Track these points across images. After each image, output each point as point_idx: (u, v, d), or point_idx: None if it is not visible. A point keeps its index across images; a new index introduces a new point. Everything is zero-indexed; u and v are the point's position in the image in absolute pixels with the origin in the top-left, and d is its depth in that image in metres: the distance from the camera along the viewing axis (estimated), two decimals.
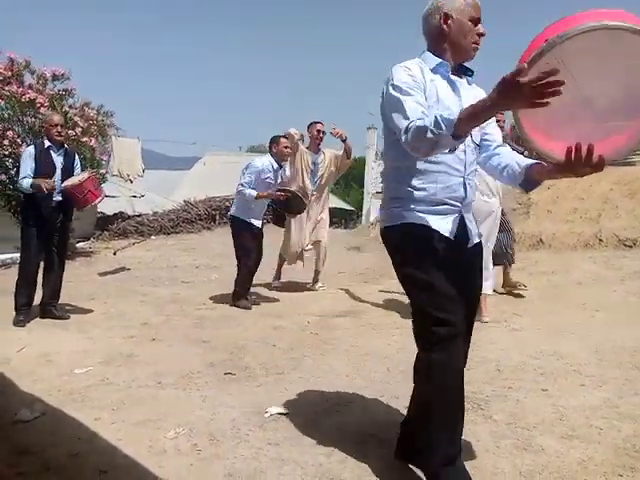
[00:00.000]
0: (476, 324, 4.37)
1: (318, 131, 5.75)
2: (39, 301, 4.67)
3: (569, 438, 2.38)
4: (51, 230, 4.58)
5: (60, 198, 4.54)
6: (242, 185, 5.15)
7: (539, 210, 8.30)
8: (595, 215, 7.74)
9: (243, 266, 5.24)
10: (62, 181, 4.53)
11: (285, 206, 5.42)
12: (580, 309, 4.72)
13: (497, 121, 3.23)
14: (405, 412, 2.69)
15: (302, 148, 5.75)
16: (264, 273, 7.08)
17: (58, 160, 4.57)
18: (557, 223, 7.89)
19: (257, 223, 5.24)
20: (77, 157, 4.87)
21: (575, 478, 2.07)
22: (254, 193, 5.10)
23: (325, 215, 5.99)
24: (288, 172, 5.71)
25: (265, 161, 5.25)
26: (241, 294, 5.23)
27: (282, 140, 5.25)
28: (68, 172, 4.63)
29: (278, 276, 6.31)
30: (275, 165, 5.25)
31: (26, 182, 4.39)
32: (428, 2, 2.03)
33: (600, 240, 7.16)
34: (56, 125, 4.55)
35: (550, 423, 2.54)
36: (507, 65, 1.64)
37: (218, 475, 2.13)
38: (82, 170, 4.88)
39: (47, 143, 4.55)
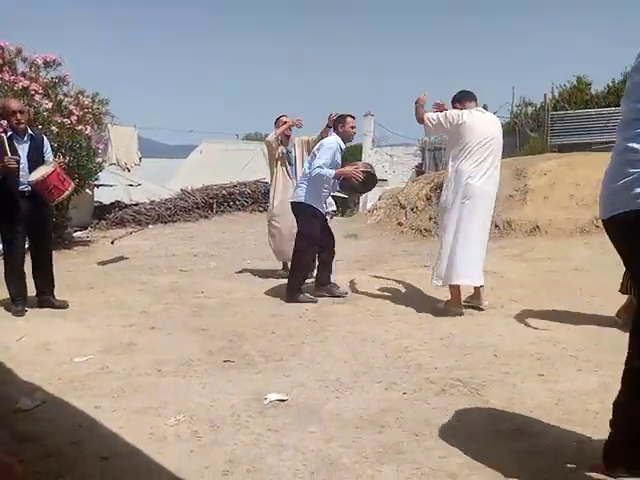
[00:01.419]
0: (472, 310, 4.42)
1: (285, 122, 5.91)
2: (35, 292, 4.66)
3: (565, 422, 2.41)
4: (28, 221, 4.41)
5: (28, 188, 4.33)
6: (320, 166, 4.76)
7: (536, 197, 8.30)
8: (591, 201, 7.72)
9: (304, 258, 4.98)
10: (30, 170, 4.33)
11: (355, 186, 4.93)
12: (576, 295, 4.75)
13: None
14: (403, 397, 2.72)
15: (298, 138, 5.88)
16: (267, 262, 7.10)
17: (23, 149, 4.35)
18: (553, 209, 7.90)
19: (323, 210, 5.03)
20: (46, 141, 4.63)
21: (571, 462, 2.10)
22: (332, 171, 4.79)
23: None
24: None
25: (335, 140, 4.97)
26: (297, 288, 4.93)
27: (349, 119, 4.99)
28: (37, 159, 4.42)
29: (285, 265, 6.27)
30: (343, 145, 4.98)
31: None
32: None
33: (596, 226, 7.17)
34: (14, 112, 4.28)
35: (547, 408, 2.57)
36: None
37: (218, 461, 2.15)
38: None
39: (9, 132, 4.30)
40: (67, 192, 4.50)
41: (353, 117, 5.05)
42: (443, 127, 4.33)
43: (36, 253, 4.62)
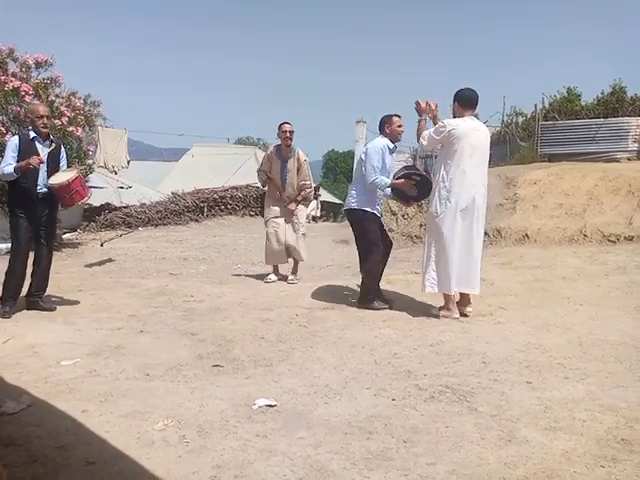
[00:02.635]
0: (461, 317, 4.44)
1: (285, 131, 5.78)
2: (25, 292, 4.62)
3: (553, 430, 2.43)
4: (38, 222, 4.52)
5: (45, 190, 4.47)
6: (374, 172, 4.65)
7: (525, 205, 8.36)
8: (580, 211, 7.82)
9: (371, 265, 4.83)
10: (48, 173, 4.46)
11: (410, 196, 4.89)
12: (564, 303, 4.78)
13: None
14: (392, 403, 2.72)
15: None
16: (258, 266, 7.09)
17: (43, 151, 4.49)
18: (543, 218, 7.97)
19: (379, 210, 4.94)
20: (63, 149, 4.79)
21: (559, 469, 2.11)
22: (388, 181, 4.71)
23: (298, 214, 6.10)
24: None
25: (380, 143, 4.83)
26: (373, 293, 4.81)
27: (395, 119, 4.86)
28: (54, 164, 4.56)
29: (275, 270, 6.22)
30: (391, 146, 4.86)
31: (6, 169, 4.30)
32: None
33: (585, 235, 7.25)
34: (42, 117, 4.46)
35: (534, 415, 2.59)
36: None
37: (206, 466, 2.14)
38: (67, 163, 4.80)
39: (32, 134, 4.47)
40: (86, 198, 4.68)
41: (399, 116, 4.93)
42: (437, 140, 4.40)
43: (38, 254, 4.65)
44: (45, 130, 4.53)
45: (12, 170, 4.29)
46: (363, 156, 4.83)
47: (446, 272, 4.32)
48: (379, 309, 4.69)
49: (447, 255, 4.31)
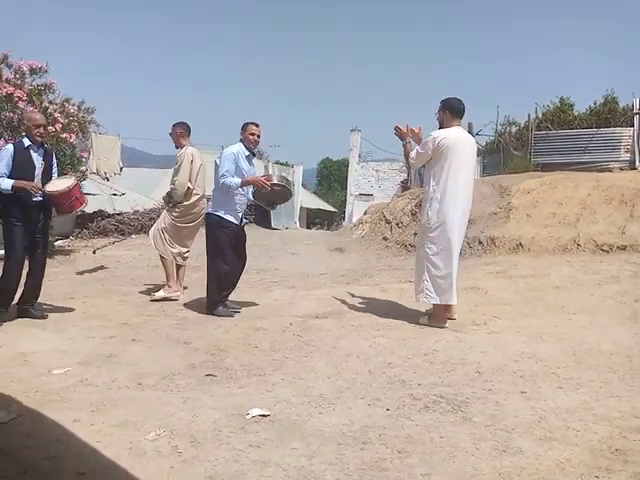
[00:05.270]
0: (455, 326, 4.44)
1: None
2: (17, 300, 4.58)
3: (547, 440, 2.42)
4: (34, 230, 4.49)
5: (40, 198, 4.44)
6: (224, 175, 4.74)
7: (519, 214, 8.40)
8: (573, 220, 7.86)
9: (213, 270, 4.89)
10: (42, 181, 4.44)
11: (269, 197, 5.05)
12: (558, 312, 4.79)
13: None
14: (386, 413, 2.71)
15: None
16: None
17: (38, 160, 4.48)
18: (536, 227, 8.00)
19: (234, 220, 4.90)
20: (54, 157, 4.78)
21: (553, 479, 2.10)
22: (238, 181, 4.76)
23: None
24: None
25: (237, 148, 4.91)
26: (216, 300, 4.89)
27: (250, 127, 4.94)
28: (47, 172, 4.55)
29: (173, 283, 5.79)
30: (247, 152, 4.92)
31: (3, 182, 4.27)
32: None
33: (578, 245, 7.27)
34: (39, 126, 4.46)
35: (529, 425, 2.58)
36: None
37: (199, 477, 2.11)
38: (61, 170, 4.80)
39: (27, 142, 4.45)
40: (84, 205, 4.68)
41: (257, 125, 5.00)
42: (425, 154, 4.40)
43: (32, 262, 4.61)
44: (40, 139, 4.52)
45: (9, 187, 4.27)
46: (218, 161, 4.92)
47: (448, 283, 4.34)
48: (223, 315, 4.77)
49: (448, 265, 4.33)
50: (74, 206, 4.54)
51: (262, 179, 4.89)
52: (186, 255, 5.92)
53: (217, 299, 4.90)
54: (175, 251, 5.76)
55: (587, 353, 3.68)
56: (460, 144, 4.33)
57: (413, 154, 4.49)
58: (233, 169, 4.80)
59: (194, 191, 5.63)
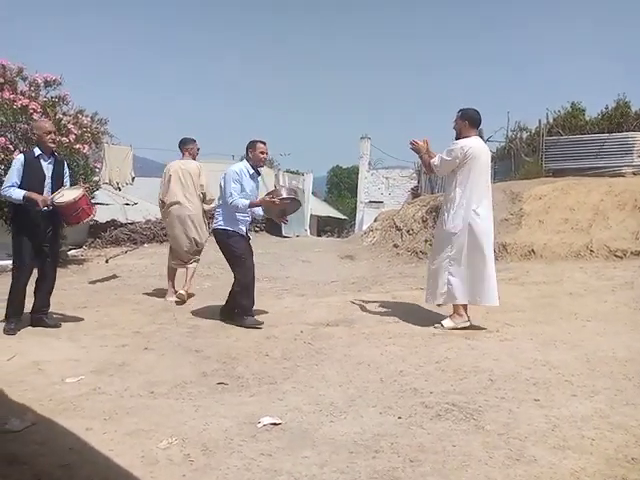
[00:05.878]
0: (467, 334, 4.42)
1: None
2: (29, 309, 4.63)
3: (561, 449, 2.39)
4: (43, 239, 4.53)
5: (49, 208, 4.44)
6: (231, 195, 4.76)
7: (531, 220, 8.35)
8: (586, 226, 7.80)
9: (242, 276, 4.87)
10: (52, 190, 4.48)
11: (278, 210, 5.04)
12: (571, 319, 4.74)
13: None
14: (398, 422, 2.69)
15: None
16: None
17: (48, 168, 4.52)
18: (548, 233, 7.94)
19: (240, 233, 4.95)
20: (66, 166, 4.83)
21: None
22: (247, 202, 4.79)
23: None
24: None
25: (241, 166, 4.94)
26: (246, 305, 4.86)
27: (259, 145, 4.94)
28: (58, 181, 4.59)
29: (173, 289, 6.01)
30: (252, 171, 4.94)
31: (14, 192, 4.33)
32: None
33: (591, 251, 7.21)
34: (50, 132, 4.53)
35: (542, 433, 2.55)
36: None
37: None
38: (73, 180, 4.83)
39: (37, 151, 4.50)
40: (92, 216, 4.68)
41: (264, 143, 5.01)
42: (451, 162, 4.49)
43: (43, 271, 4.64)
44: (53, 145, 4.59)
45: (20, 197, 4.32)
46: (222, 181, 4.92)
47: (472, 286, 4.44)
48: (252, 327, 4.69)
49: (471, 269, 4.42)
50: (80, 217, 4.54)
51: (269, 199, 4.88)
52: (187, 260, 6.08)
53: (246, 304, 4.90)
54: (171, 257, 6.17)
55: (601, 360, 3.63)
56: (484, 153, 4.56)
57: (437, 161, 4.60)
58: (239, 188, 4.84)
59: (167, 200, 5.98)
